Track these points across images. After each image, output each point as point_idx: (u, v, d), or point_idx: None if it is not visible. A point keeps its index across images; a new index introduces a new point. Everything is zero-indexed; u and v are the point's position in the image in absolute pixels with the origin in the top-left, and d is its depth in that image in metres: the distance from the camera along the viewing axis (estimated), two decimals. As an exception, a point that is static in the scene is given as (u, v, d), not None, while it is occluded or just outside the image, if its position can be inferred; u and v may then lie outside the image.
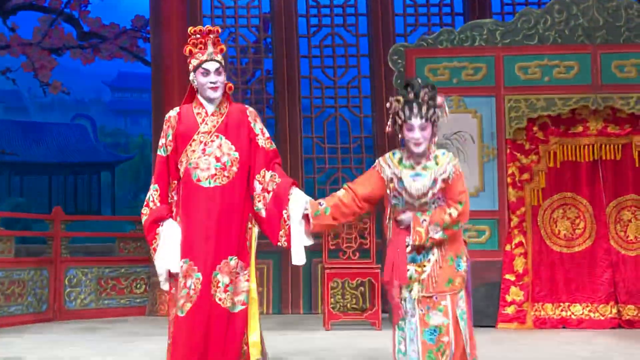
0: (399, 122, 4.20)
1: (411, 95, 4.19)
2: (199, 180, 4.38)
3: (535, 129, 7.32)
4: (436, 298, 4.19)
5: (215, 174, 4.40)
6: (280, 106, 9.10)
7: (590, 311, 7.15)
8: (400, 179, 4.22)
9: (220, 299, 4.32)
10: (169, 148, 4.50)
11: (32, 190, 18.96)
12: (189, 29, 4.50)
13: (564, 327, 7.12)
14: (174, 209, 4.46)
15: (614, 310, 7.13)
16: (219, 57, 4.49)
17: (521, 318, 7.14)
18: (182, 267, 4.31)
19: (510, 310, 7.15)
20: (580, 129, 7.26)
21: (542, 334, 6.79)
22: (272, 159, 4.49)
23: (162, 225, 4.40)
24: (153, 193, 4.47)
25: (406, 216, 4.19)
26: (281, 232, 4.35)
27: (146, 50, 14.26)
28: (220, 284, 4.32)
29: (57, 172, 19.35)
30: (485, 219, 7.28)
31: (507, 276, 7.21)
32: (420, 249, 4.18)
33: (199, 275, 4.29)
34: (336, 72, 9.33)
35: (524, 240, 7.27)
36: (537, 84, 7.27)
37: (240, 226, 4.41)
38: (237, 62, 9.39)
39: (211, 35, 4.50)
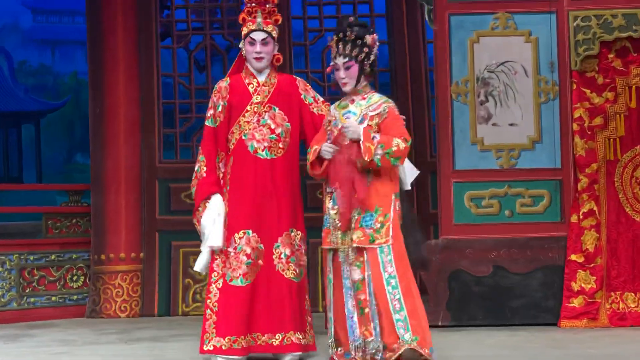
0: (332, 62, 5.51)
1: (340, 35, 5.49)
2: (255, 151, 5.75)
3: (611, 56, 7.29)
4: (354, 252, 5.38)
5: (271, 146, 5.76)
6: (263, 31, 9.09)
7: (687, 302, 7.19)
8: (334, 119, 5.54)
9: (282, 270, 5.73)
10: (218, 119, 5.82)
11: None
12: None
13: (651, 324, 7.14)
14: (221, 181, 5.81)
15: None
16: (270, 28, 5.80)
17: (593, 313, 7.17)
18: (241, 237, 5.70)
19: (577, 302, 7.19)
20: (672, 55, 7.26)
21: (621, 334, 6.81)
22: None
23: (211, 200, 5.74)
24: (201, 165, 5.82)
25: (353, 126, 5.38)
26: None
27: (78, -43, 14.15)
28: (282, 255, 5.74)
29: (-40, 126, 19.30)
30: (543, 179, 7.30)
31: (574, 257, 7.23)
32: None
33: (262, 246, 5.72)
34: (339, -18, 9.28)
35: (596, 209, 7.27)
36: (613, -5, 7.24)
37: (296, 198, 5.86)
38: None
39: (267, 5, 5.80)
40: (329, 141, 5.51)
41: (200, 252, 5.89)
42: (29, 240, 8.97)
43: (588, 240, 7.25)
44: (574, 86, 7.28)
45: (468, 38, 7.29)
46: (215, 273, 5.77)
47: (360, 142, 5.35)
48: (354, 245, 5.40)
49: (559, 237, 7.26)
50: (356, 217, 5.43)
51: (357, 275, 5.43)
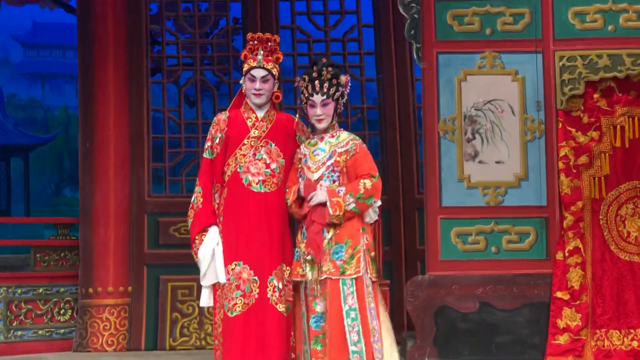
0: (304, 100, 5.77)
1: (315, 74, 5.73)
2: (250, 184, 5.89)
3: (596, 96, 7.32)
4: (321, 284, 5.59)
5: (265, 180, 5.90)
6: (253, 67, 9.14)
7: (671, 340, 7.20)
8: (305, 157, 5.82)
9: (275, 303, 5.85)
10: (216, 151, 5.97)
11: None
12: (248, 35, 6.04)
13: (635, 362, 7.16)
14: (217, 212, 5.94)
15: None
16: (270, 65, 5.97)
17: (578, 350, 7.16)
18: (233, 268, 5.85)
19: (563, 339, 7.18)
20: (657, 95, 7.31)
21: (606, 372, 6.81)
22: None
23: (208, 233, 5.87)
24: (197, 196, 5.96)
25: (319, 191, 5.64)
26: None
27: (70, -9, 14.18)
28: (275, 289, 5.85)
29: (-50, 158, 19.23)
30: (529, 217, 7.30)
31: (559, 294, 7.23)
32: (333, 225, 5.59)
33: (256, 278, 5.85)
34: (328, 20, 9.33)
35: (581, 246, 7.28)
36: (598, 35, 7.28)
37: (286, 234, 5.96)
38: (193, 8, 9.38)
39: (269, 43, 6.00)
40: (300, 179, 5.82)
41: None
42: (17, 273, 8.97)
43: (573, 278, 7.25)
44: (560, 125, 7.31)
45: (456, 76, 7.32)
46: (218, 304, 5.94)
47: (327, 202, 5.63)
48: (324, 276, 5.56)
49: (544, 274, 7.25)
50: (327, 249, 5.59)
51: (322, 307, 5.60)
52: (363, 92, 9.34)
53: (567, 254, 7.27)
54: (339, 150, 5.77)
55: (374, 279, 5.75)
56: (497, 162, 7.31)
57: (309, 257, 5.65)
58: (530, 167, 7.32)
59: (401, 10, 7.44)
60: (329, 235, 5.68)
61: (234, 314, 5.82)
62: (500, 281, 7.18)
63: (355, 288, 5.57)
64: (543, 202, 7.31)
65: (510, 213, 7.26)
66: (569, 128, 7.32)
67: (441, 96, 7.31)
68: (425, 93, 7.39)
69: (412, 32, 7.35)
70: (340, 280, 5.56)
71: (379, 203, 5.89)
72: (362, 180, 5.67)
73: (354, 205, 5.63)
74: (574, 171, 7.30)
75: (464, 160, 7.30)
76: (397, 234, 9.01)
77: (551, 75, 7.31)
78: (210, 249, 5.86)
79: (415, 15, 7.38)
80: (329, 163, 5.76)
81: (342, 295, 5.56)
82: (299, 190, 5.77)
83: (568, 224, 7.28)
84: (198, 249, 5.89)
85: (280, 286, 5.89)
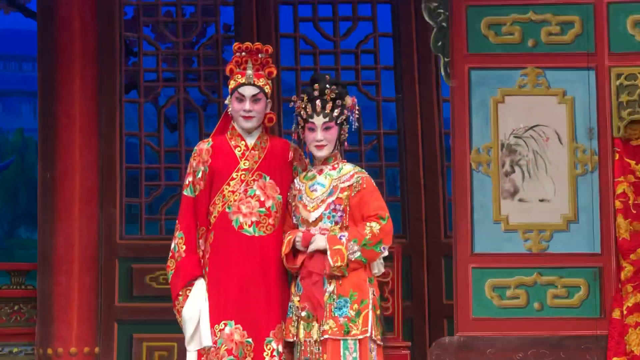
0: (301, 123, 5.72)
1: (316, 93, 5.64)
2: (241, 227, 5.73)
3: (661, 121, 7.37)
4: (318, 348, 5.55)
5: (260, 221, 5.74)
6: (247, 84, 9.19)
7: None
8: (300, 193, 5.74)
9: None
10: (198, 187, 5.80)
11: None
12: (234, 45, 5.91)
13: None
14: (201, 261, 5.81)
15: None
16: (262, 82, 5.83)
17: None
18: (222, 329, 5.67)
19: (621, 415, 7.18)
20: None
21: None
22: None
23: (194, 287, 5.74)
24: (178, 242, 5.79)
25: (317, 236, 5.59)
26: None
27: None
28: (274, 352, 5.70)
29: None
30: (579, 267, 7.30)
31: (616, 360, 7.23)
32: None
33: (250, 341, 5.67)
34: (338, 29, 9.36)
35: (643, 302, 7.30)
36: (663, 48, 7.35)
37: (285, 285, 5.81)
38: (176, 12, 9.42)
39: (259, 55, 5.86)
40: (294, 219, 5.76)
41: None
42: (-38, 329, 8.96)
43: (633, 341, 7.24)
44: (617, 156, 7.32)
45: (491, 97, 7.33)
46: None
47: (326, 250, 5.56)
48: (325, 336, 5.52)
49: (598, 336, 7.23)
50: (328, 305, 5.55)
51: None
52: (379, 115, 9.37)
53: (625, 312, 7.27)
54: (342, 185, 5.69)
55: (378, 342, 5.70)
56: (541, 201, 7.32)
57: (303, 314, 5.61)
58: (581, 206, 7.33)
59: (426, 17, 7.48)
60: (330, 288, 5.61)
61: None
62: (545, 344, 7.17)
63: (358, 354, 5.53)
64: (596, 249, 7.31)
65: (557, 262, 7.26)
66: (627, 160, 7.34)
67: (474, 121, 7.33)
68: (455, 117, 7.40)
69: (439, 43, 7.38)
70: (342, 343, 5.52)
71: (386, 253, 5.81)
72: (368, 224, 5.60)
73: (359, 253, 5.56)
74: (634, 212, 7.32)
75: (500, 198, 7.31)
76: (419, 286, 9.00)
77: (606, 96, 7.33)
78: (197, 307, 5.72)
79: (443, 24, 7.42)
80: (329, 200, 5.68)
81: None
82: (294, 241, 5.71)
83: (627, 275, 7.28)
84: (182, 307, 5.75)
85: (280, 349, 5.70)
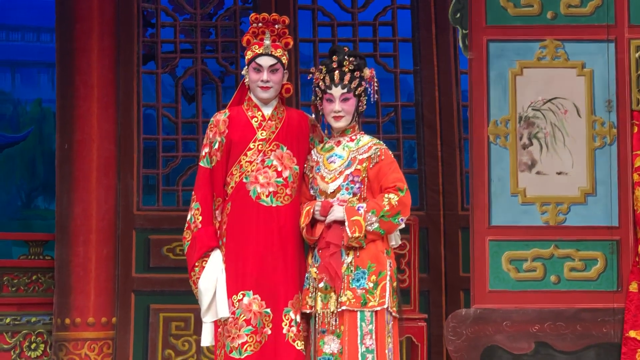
0: (319, 94, 5.78)
1: (334, 64, 5.72)
2: (258, 197, 5.77)
3: (680, 94, 7.35)
4: (336, 319, 5.57)
5: (277, 192, 5.78)
6: (265, 55, 9.19)
7: None
8: (318, 164, 5.79)
9: (293, 340, 5.74)
10: (215, 158, 5.83)
11: None
12: (251, 16, 5.90)
13: None
14: (218, 232, 5.84)
15: None
16: (279, 52, 5.84)
17: (655, 401, 7.16)
18: (241, 299, 5.72)
19: (636, 388, 7.18)
20: None
21: None
22: None
23: (210, 258, 5.77)
24: (195, 213, 5.82)
25: (336, 206, 5.63)
26: None
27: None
28: (293, 322, 5.75)
29: None
30: (596, 239, 7.30)
31: (633, 333, 7.22)
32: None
33: (268, 311, 5.73)
34: (356, 1, 9.37)
35: (660, 276, 7.29)
36: (684, 20, 7.32)
37: (303, 255, 5.86)
38: (194, -16, 9.43)
39: (276, 26, 5.87)
40: (311, 191, 5.81)
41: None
42: (-21, 299, 9.00)
43: (650, 314, 7.26)
44: (635, 129, 7.31)
45: (510, 69, 7.32)
46: (219, 343, 5.79)
47: (344, 221, 5.60)
48: (342, 308, 5.55)
49: (615, 309, 7.24)
50: (346, 276, 5.59)
51: (335, 346, 5.60)
52: (397, 87, 9.36)
53: (642, 285, 7.27)
54: (360, 156, 5.74)
55: (394, 314, 5.73)
56: (559, 173, 7.31)
57: (321, 285, 5.64)
58: (599, 179, 7.32)
59: (445, -12, 7.47)
60: (348, 259, 5.65)
61: (244, 354, 5.68)
62: (561, 317, 7.18)
63: (375, 325, 5.57)
64: (614, 222, 7.31)
65: (574, 235, 7.25)
66: (646, 133, 7.33)
67: (492, 93, 7.32)
68: (473, 89, 7.39)
69: (458, 15, 7.36)
70: (359, 315, 5.56)
71: (403, 225, 5.84)
72: (386, 195, 5.65)
73: (377, 225, 5.61)
74: (652, 185, 7.31)
75: (518, 171, 7.31)
76: (436, 259, 9.00)
77: (625, 68, 7.32)
78: (213, 278, 5.76)
79: (462, -5, 7.42)
80: (347, 172, 5.72)
81: (359, 333, 5.56)
82: (313, 211, 5.73)
83: (644, 248, 7.28)
84: (198, 278, 5.80)
85: (299, 319, 5.75)
